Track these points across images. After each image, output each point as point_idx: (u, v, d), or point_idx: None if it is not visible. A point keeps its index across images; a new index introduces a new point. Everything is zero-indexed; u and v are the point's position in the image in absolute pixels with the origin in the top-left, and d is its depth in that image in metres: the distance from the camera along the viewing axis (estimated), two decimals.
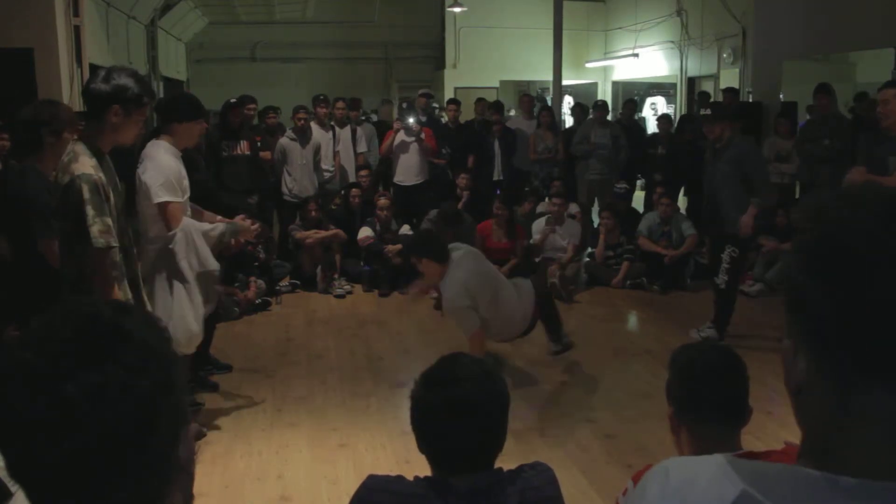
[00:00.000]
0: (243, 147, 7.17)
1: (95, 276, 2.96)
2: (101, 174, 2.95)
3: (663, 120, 9.64)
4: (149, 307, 3.34)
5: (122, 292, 3.13)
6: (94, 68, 7.64)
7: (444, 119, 10.00)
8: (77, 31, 7.56)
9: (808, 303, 0.71)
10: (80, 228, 2.89)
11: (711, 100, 10.02)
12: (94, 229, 2.88)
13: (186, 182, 4.01)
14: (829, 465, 0.69)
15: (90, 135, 3.05)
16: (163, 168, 3.86)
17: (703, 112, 5.76)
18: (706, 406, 1.88)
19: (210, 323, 5.24)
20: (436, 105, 11.41)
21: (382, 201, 7.66)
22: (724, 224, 5.65)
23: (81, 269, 2.99)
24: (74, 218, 2.90)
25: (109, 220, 2.93)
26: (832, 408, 0.70)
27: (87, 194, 2.86)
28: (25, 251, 3.53)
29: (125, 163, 3.77)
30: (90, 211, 2.87)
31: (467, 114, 10.00)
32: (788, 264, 0.74)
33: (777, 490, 0.68)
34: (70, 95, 7.18)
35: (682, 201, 9.26)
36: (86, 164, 2.90)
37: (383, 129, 9.08)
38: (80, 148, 2.97)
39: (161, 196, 3.82)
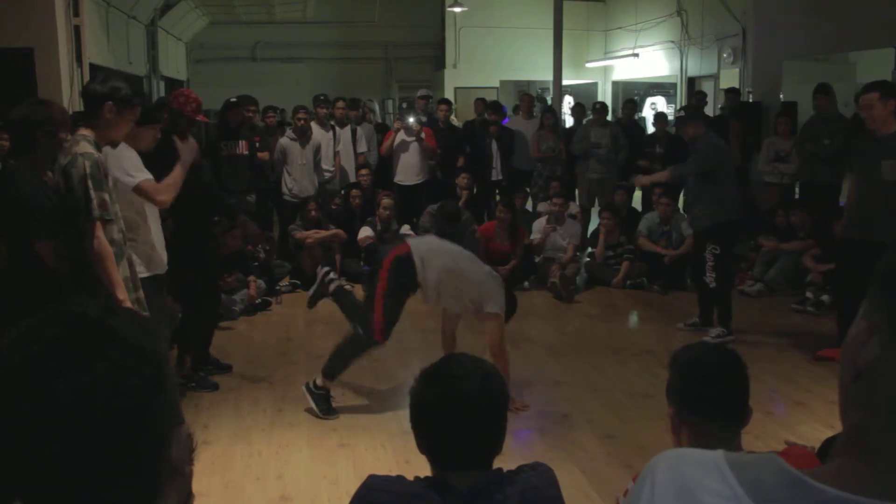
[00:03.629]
0: (242, 147, 7.18)
1: (92, 245, 3.14)
2: (101, 155, 3.20)
3: (660, 119, 9.65)
4: (142, 296, 3.39)
5: (122, 269, 3.24)
6: (94, 68, 7.65)
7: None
8: (77, 30, 7.57)
9: None
10: (86, 200, 3.13)
11: (708, 99, 10.02)
12: (94, 203, 3.13)
13: None
14: (878, 456, 0.68)
15: (92, 129, 3.28)
16: (123, 156, 3.78)
17: (677, 115, 6.02)
18: (707, 406, 1.88)
19: (210, 323, 5.26)
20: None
21: (386, 201, 7.66)
22: (693, 220, 5.95)
23: (84, 249, 3.14)
24: (79, 190, 3.13)
25: (107, 196, 3.18)
26: None
27: (88, 169, 3.11)
28: (21, 252, 3.52)
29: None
30: (91, 184, 3.12)
31: (469, 114, 10.01)
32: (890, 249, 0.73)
33: None
34: (70, 95, 7.19)
35: (682, 202, 9.25)
36: (87, 147, 3.16)
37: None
38: (82, 135, 3.22)
39: (137, 176, 3.75)
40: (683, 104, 12.19)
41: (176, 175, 3.84)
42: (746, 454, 0.77)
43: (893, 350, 0.69)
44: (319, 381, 4.49)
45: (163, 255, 4.03)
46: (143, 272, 3.79)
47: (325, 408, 4.46)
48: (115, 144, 3.48)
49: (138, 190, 3.78)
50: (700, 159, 5.73)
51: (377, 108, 12.80)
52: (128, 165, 3.77)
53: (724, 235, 5.84)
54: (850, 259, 5.11)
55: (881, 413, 0.70)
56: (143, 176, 3.79)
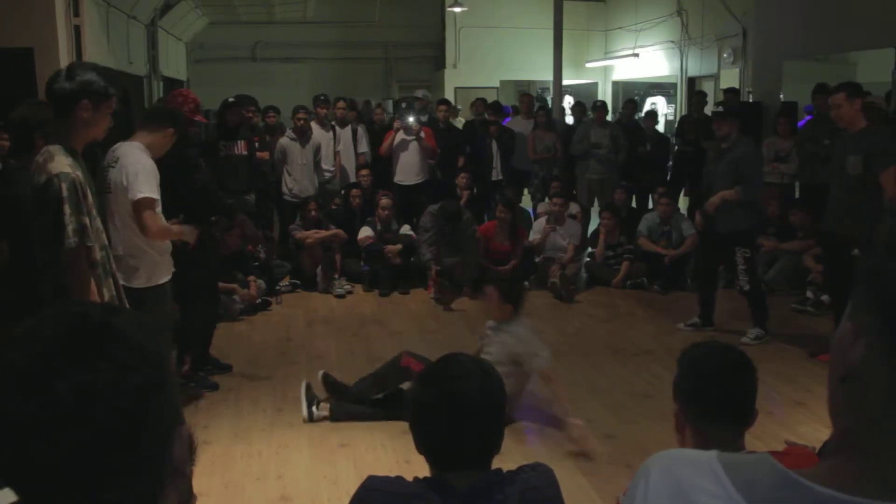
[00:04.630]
0: (241, 147, 7.17)
1: (71, 275, 2.91)
2: (79, 172, 2.91)
3: (649, 117, 9.64)
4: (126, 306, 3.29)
5: (107, 290, 3.09)
6: None
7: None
8: (77, 31, 7.57)
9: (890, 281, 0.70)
10: (57, 227, 2.86)
11: (708, 99, 10.02)
12: (69, 229, 2.85)
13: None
14: (869, 457, 0.68)
15: (62, 135, 2.98)
16: (143, 165, 3.75)
17: (714, 109, 5.89)
18: (713, 405, 1.87)
19: (210, 323, 5.26)
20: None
21: (384, 201, 7.66)
22: (716, 223, 5.75)
23: (60, 268, 2.94)
24: (53, 216, 2.86)
25: (86, 220, 2.91)
26: (888, 394, 0.69)
27: (65, 192, 2.82)
28: (21, 252, 3.52)
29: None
30: (67, 210, 2.84)
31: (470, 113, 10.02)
32: (871, 250, 0.73)
33: None
34: None
35: (682, 201, 9.25)
36: (62, 163, 2.86)
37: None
38: (55, 148, 2.93)
39: (142, 191, 3.68)
40: (684, 104, 12.21)
41: (174, 230, 3.95)
42: (741, 455, 0.77)
43: (879, 351, 0.69)
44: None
45: (166, 260, 3.95)
46: (147, 282, 3.78)
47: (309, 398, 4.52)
48: (96, 142, 3.33)
49: (136, 206, 3.69)
50: (756, 173, 5.75)
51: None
52: (142, 177, 3.69)
53: (754, 238, 5.95)
54: (832, 255, 5.25)
55: (869, 414, 0.70)
56: (149, 195, 3.69)
